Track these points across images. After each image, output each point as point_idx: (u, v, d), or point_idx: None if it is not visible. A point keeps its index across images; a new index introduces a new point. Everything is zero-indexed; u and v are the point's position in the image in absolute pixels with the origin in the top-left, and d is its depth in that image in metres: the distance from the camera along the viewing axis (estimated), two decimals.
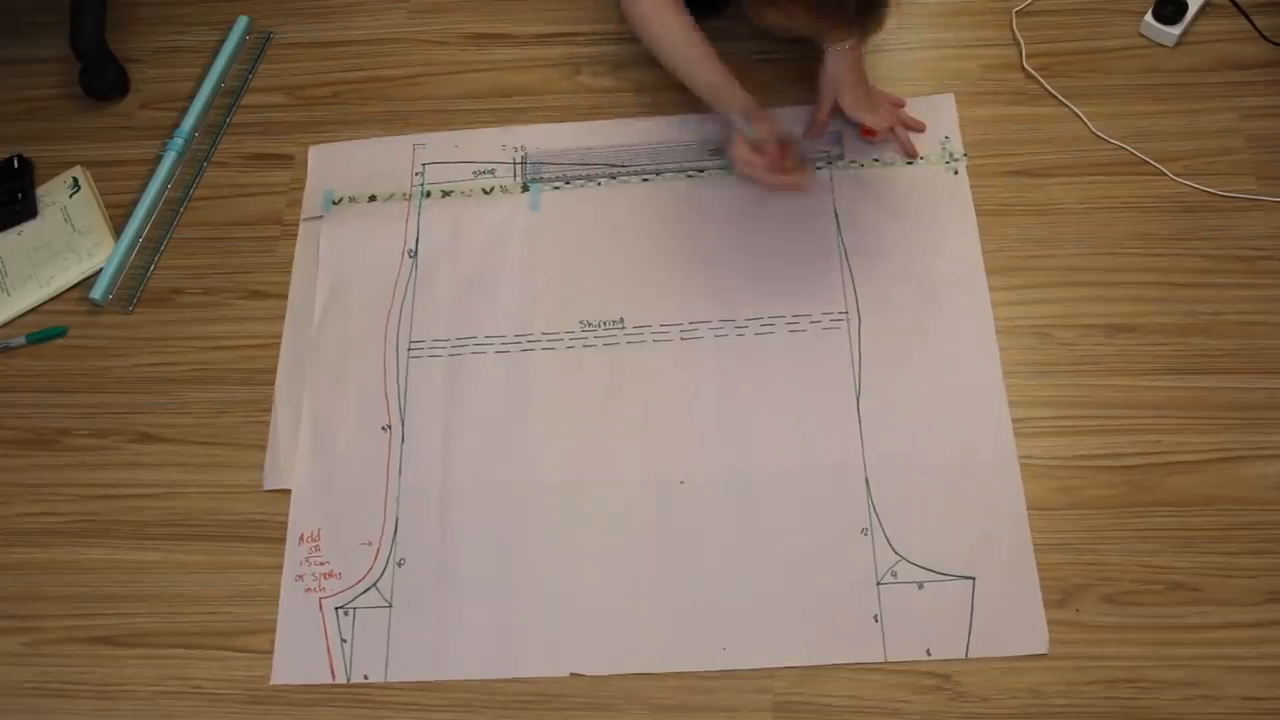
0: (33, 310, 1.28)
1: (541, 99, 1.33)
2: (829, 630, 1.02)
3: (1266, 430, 1.05)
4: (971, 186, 1.19)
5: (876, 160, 1.22)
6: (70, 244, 1.30)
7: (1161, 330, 1.11)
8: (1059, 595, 1.01)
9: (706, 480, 1.09)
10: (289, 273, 1.26)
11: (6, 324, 1.27)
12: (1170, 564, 1.01)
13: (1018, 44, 1.27)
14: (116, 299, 1.27)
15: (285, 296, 1.24)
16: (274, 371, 1.20)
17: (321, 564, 1.10)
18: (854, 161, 1.22)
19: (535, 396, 1.15)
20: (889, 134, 1.22)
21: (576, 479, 1.10)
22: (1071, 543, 1.03)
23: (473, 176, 1.28)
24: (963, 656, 0.99)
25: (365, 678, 1.05)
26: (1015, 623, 1.00)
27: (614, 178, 1.26)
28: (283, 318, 1.23)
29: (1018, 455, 1.06)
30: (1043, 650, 0.99)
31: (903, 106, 1.25)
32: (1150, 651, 0.98)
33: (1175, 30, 1.24)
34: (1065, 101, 1.23)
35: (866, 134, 1.22)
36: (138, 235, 1.30)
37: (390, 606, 1.07)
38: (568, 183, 1.26)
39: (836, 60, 1.18)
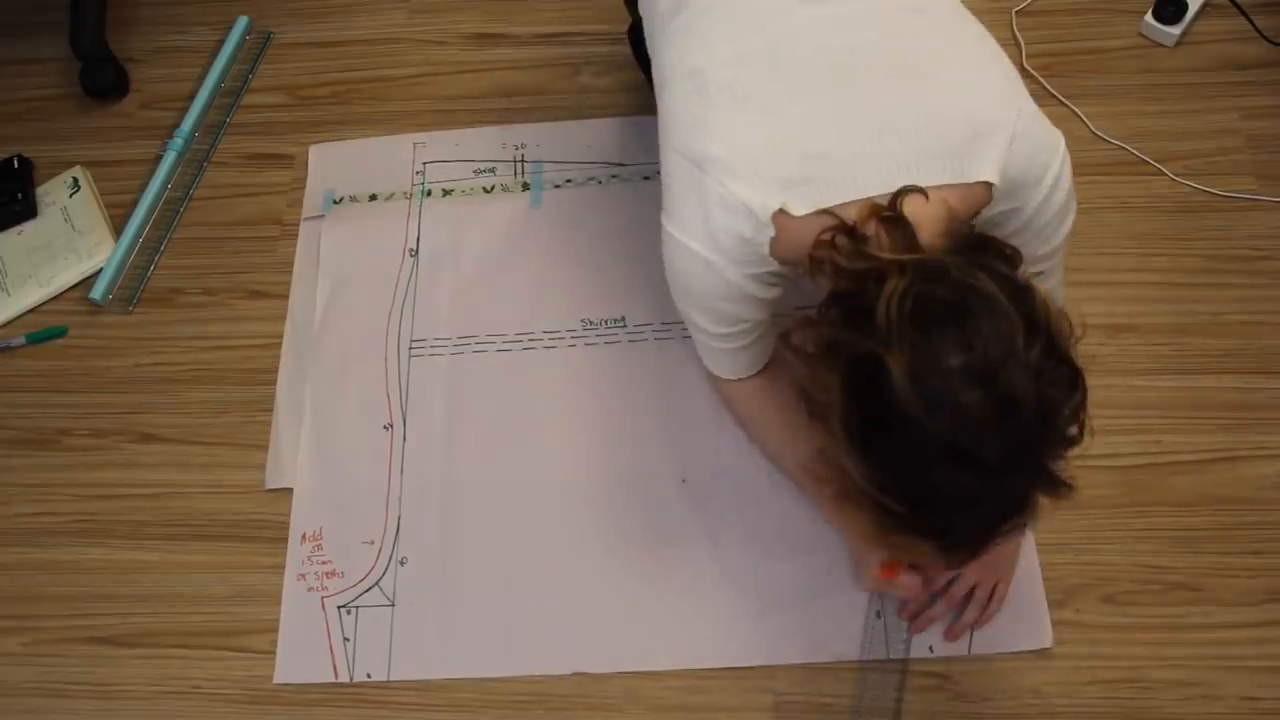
0: (33, 310, 1.28)
1: (541, 99, 1.33)
2: (832, 627, 1.01)
3: (1266, 430, 1.05)
4: None
5: None
6: (70, 244, 1.30)
7: (1161, 330, 1.11)
8: (1059, 595, 1.00)
9: (709, 477, 1.09)
10: (289, 273, 1.25)
11: (6, 324, 1.27)
12: (1170, 564, 1.01)
13: (1018, 44, 1.27)
14: (116, 299, 1.27)
15: (285, 296, 1.24)
16: (274, 371, 1.20)
17: (324, 563, 1.09)
18: None
19: (537, 395, 1.14)
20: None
21: (578, 477, 1.10)
22: (1071, 543, 1.03)
23: (473, 175, 1.28)
24: (965, 654, 0.99)
25: (368, 676, 1.05)
26: (1019, 619, 1.00)
27: (614, 177, 1.26)
28: (283, 318, 1.23)
29: None
30: (1047, 645, 0.99)
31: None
32: (1150, 651, 0.98)
33: (1175, 30, 1.24)
34: (1065, 101, 1.23)
35: (888, 572, 0.96)
36: (138, 235, 1.30)
37: (393, 605, 1.07)
38: (568, 181, 1.26)
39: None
